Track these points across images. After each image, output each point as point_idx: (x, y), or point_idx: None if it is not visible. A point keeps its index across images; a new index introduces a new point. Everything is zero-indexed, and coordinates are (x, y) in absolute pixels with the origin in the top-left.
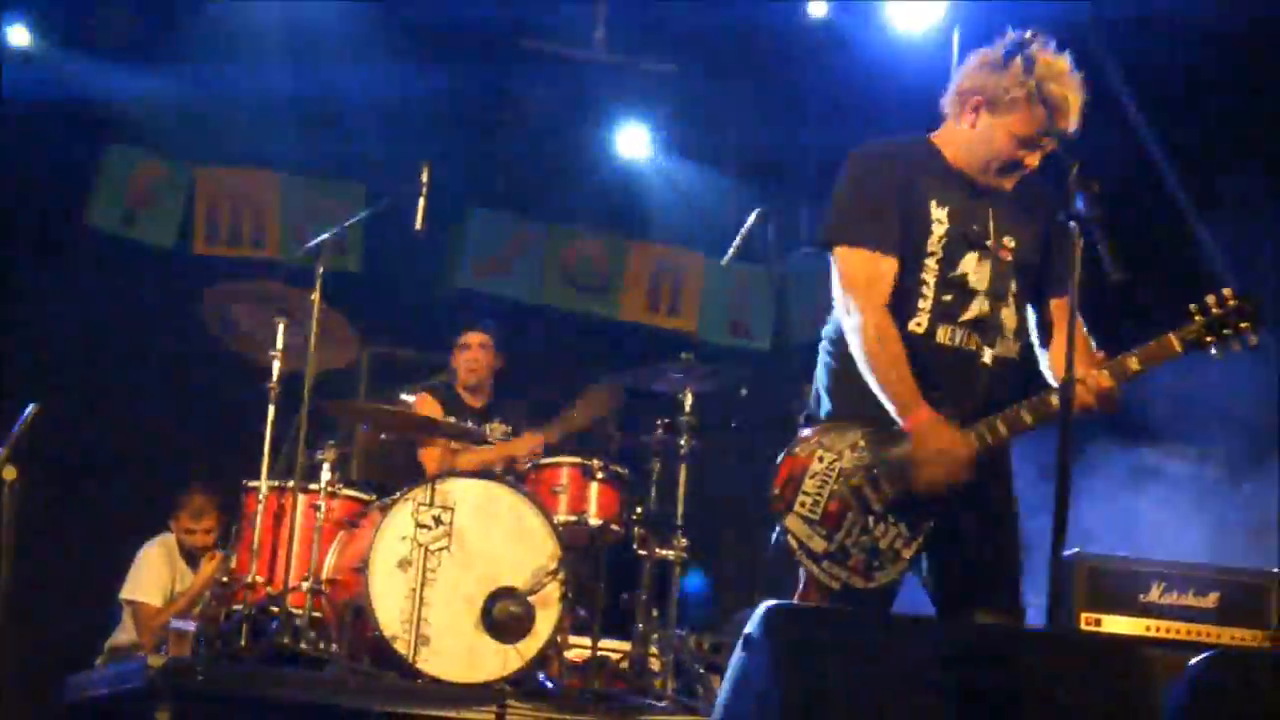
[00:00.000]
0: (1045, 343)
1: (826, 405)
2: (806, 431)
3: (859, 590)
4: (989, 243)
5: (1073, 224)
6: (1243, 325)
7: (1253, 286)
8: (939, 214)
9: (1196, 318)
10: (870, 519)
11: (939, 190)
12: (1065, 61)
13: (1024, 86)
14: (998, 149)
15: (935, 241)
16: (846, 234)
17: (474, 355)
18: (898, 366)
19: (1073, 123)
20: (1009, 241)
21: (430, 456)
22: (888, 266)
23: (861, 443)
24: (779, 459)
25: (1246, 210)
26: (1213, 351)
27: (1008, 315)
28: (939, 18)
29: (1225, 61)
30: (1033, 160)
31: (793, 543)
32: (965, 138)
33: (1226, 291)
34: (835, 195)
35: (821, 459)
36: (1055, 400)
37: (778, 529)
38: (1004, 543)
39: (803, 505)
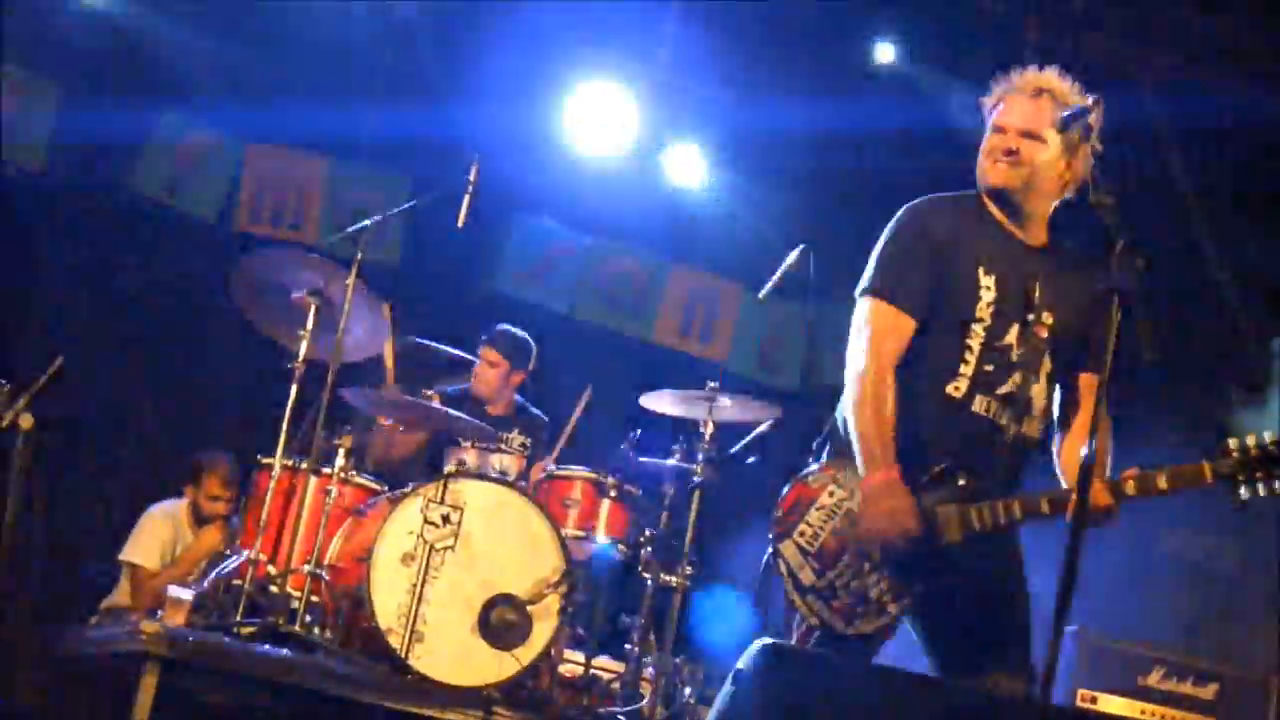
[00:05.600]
0: (1065, 421)
1: (846, 441)
2: (821, 462)
3: (836, 633)
4: (1030, 316)
5: (1114, 297)
6: (1277, 473)
7: None
8: (987, 281)
9: (1234, 453)
10: (866, 565)
11: (989, 255)
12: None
13: (989, 100)
14: (980, 155)
15: (984, 309)
16: (874, 286)
17: (482, 369)
18: (881, 422)
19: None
20: (1048, 317)
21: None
22: (905, 325)
23: None
24: (789, 483)
25: None
26: (1241, 492)
27: (1037, 392)
28: None
29: None
30: (997, 175)
31: (783, 569)
32: None
33: (1269, 435)
34: (878, 248)
35: (832, 494)
36: (1045, 506)
37: (770, 551)
38: (1007, 610)
39: (802, 535)
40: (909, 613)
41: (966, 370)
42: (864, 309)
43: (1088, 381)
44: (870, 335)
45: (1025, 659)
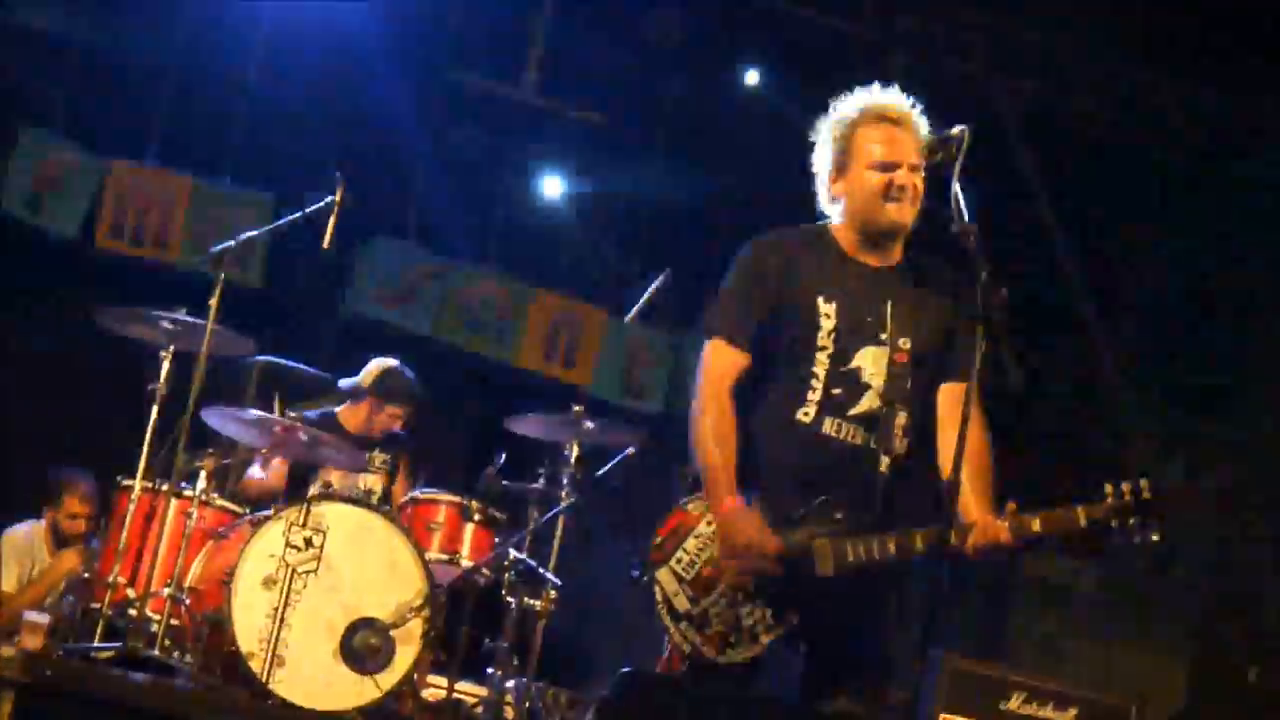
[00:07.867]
0: (943, 436)
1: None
2: (700, 492)
3: (708, 661)
4: (884, 337)
5: (978, 327)
6: (1148, 520)
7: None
8: (827, 309)
9: (1108, 499)
10: (740, 595)
11: (830, 282)
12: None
13: (841, 127)
14: (867, 195)
15: (825, 336)
16: (710, 324)
17: (386, 422)
18: (723, 455)
19: (894, 109)
20: (905, 343)
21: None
22: (739, 360)
23: None
24: (670, 510)
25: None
26: (1114, 537)
27: (902, 416)
28: None
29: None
30: (902, 213)
31: (658, 594)
32: (843, 210)
33: (1143, 483)
34: (721, 286)
35: (710, 523)
36: (920, 542)
37: (645, 576)
38: (867, 636)
39: (679, 561)
40: (789, 643)
41: (814, 396)
42: (706, 348)
43: (953, 393)
44: (707, 374)
45: (876, 687)
